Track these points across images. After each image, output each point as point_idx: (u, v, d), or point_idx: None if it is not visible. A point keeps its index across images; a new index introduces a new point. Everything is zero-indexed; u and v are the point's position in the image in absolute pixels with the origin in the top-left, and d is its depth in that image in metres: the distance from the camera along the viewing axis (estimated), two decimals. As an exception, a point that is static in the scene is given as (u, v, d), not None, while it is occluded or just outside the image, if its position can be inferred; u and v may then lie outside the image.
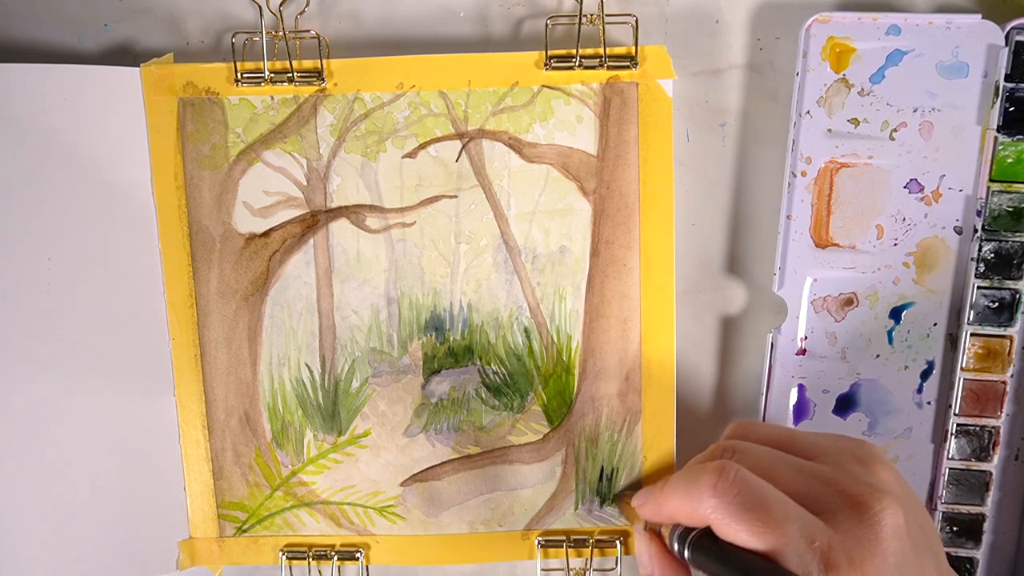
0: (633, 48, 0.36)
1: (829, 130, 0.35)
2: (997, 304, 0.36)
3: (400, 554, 0.39)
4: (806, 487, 0.26)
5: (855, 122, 0.35)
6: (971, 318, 0.36)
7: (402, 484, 0.39)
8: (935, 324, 0.37)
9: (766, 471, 0.27)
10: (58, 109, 0.36)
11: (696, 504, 0.26)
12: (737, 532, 0.25)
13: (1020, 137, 0.35)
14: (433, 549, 0.39)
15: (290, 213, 0.37)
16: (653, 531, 0.32)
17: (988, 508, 0.37)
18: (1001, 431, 0.37)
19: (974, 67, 0.35)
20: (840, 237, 0.36)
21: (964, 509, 0.37)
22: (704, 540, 0.27)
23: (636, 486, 0.39)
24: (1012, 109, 0.35)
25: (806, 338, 0.37)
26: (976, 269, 0.36)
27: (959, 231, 0.36)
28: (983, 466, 0.37)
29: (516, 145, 0.37)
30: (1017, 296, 0.36)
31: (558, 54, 0.36)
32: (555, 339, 0.38)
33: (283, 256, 0.38)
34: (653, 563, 0.30)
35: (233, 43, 0.36)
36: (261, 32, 0.36)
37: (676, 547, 0.29)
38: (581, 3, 0.35)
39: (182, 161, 0.37)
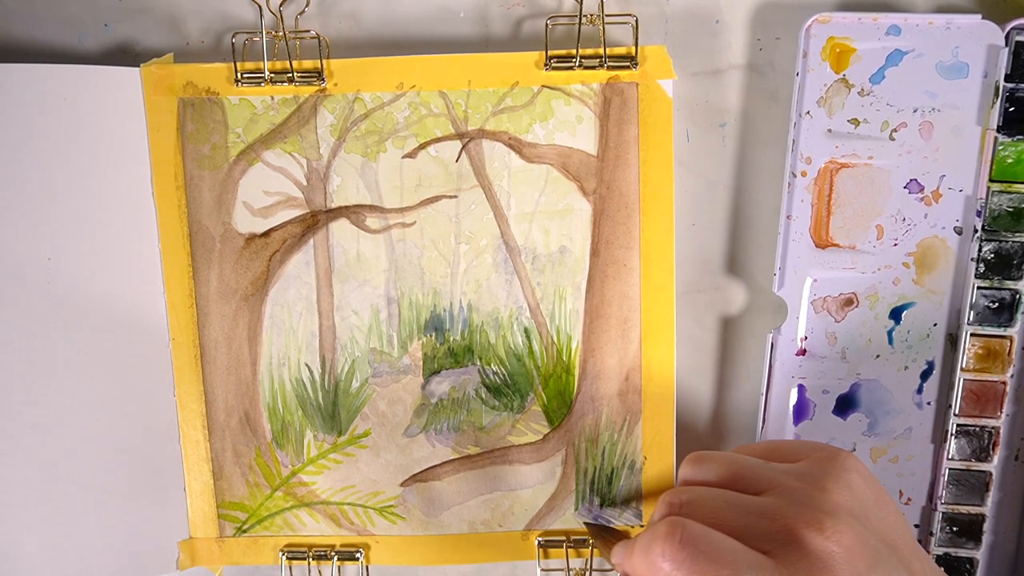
0: (633, 48, 0.36)
1: (829, 130, 0.35)
2: (997, 304, 0.36)
3: (400, 554, 0.39)
4: (753, 527, 0.26)
5: (855, 122, 0.35)
6: (971, 318, 0.36)
7: (402, 484, 0.39)
8: (935, 324, 0.37)
9: (714, 517, 0.26)
10: (58, 109, 0.36)
11: (654, 572, 0.26)
12: None
13: (1020, 137, 0.35)
14: (433, 549, 0.39)
15: (290, 213, 0.37)
16: None
17: (988, 508, 0.37)
18: (1001, 431, 0.37)
19: (974, 67, 0.35)
20: (840, 237, 0.36)
21: (964, 509, 0.37)
22: None
23: (629, 499, 0.39)
24: (1012, 109, 0.35)
25: (806, 338, 0.37)
26: (976, 269, 0.36)
27: (959, 231, 0.36)
28: (983, 466, 0.37)
29: (516, 145, 0.37)
30: (1017, 296, 0.36)
31: (558, 54, 0.36)
32: (555, 339, 0.38)
33: (283, 256, 0.38)
34: None
35: (233, 43, 0.36)
36: (261, 32, 0.36)
37: None
38: (581, 3, 0.35)
39: (182, 161, 0.37)
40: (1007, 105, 0.35)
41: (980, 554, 0.38)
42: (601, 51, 0.36)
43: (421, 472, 0.39)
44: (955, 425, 0.37)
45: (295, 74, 0.36)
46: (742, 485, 0.28)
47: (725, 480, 0.29)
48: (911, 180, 0.36)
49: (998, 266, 0.36)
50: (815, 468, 0.28)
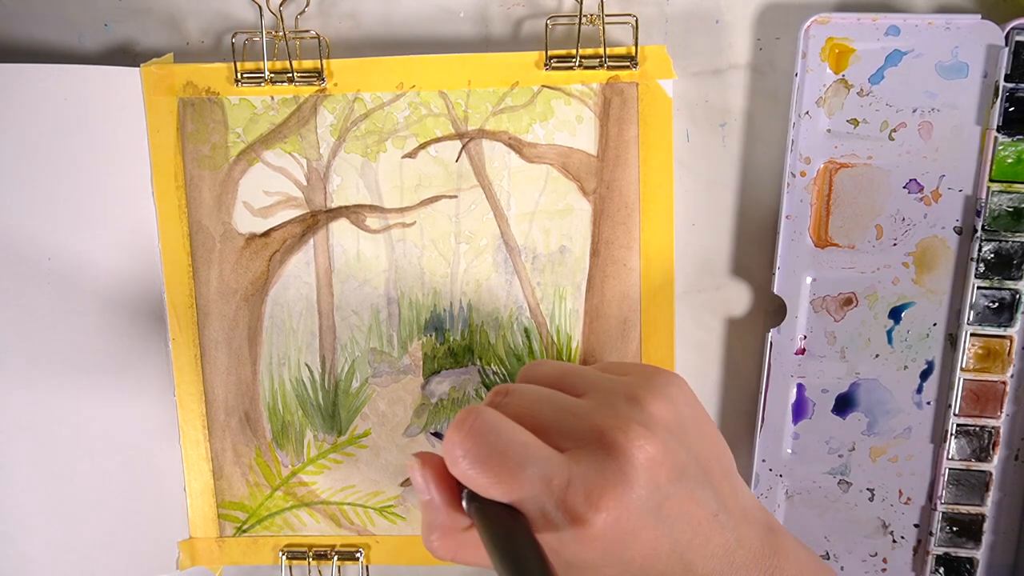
0: (633, 48, 0.36)
1: (828, 130, 0.36)
2: (997, 304, 0.36)
3: (400, 554, 0.39)
4: (563, 424, 0.25)
5: (854, 122, 0.35)
6: (971, 318, 0.36)
7: (402, 484, 0.39)
8: (935, 324, 0.37)
9: (528, 410, 0.25)
10: (58, 109, 0.36)
11: (448, 460, 0.25)
12: (480, 485, 0.24)
13: (1020, 137, 0.35)
14: (433, 549, 0.39)
15: (290, 213, 0.37)
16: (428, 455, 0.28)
17: (988, 508, 0.37)
18: (1001, 431, 0.37)
19: (974, 67, 0.35)
20: (839, 237, 0.36)
21: (964, 509, 0.37)
22: (472, 496, 0.25)
23: None
24: (1012, 109, 0.35)
25: (805, 337, 0.37)
26: (976, 269, 0.36)
27: (959, 231, 0.36)
28: (983, 466, 0.37)
29: (516, 145, 0.37)
30: (1017, 296, 0.36)
31: (558, 54, 0.36)
32: (555, 339, 0.38)
33: (283, 256, 0.38)
34: (430, 487, 0.26)
35: (233, 43, 0.36)
36: (261, 32, 0.36)
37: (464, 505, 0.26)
38: (581, 3, 0.35)
39: (182, 161, 0.37)
40: (1007, 105, 0.35)
41: (980, 554, 0.38)
42: (601, 51, 0.36)
43: (421, 472, 0.39)
44: (955, 425, 0.37)
45: (295, 74, 0.36)
46: (566, 386, 0.27)
47: (553, 381, 0.28)
48: (911, 180, 0.36)
49: (998, 266, 0.36)
50: (640, 380, 0.27)
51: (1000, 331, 0.36)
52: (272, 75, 0.36)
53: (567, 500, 0.23)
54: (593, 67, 0.36)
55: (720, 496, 0.26)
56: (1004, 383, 0.36)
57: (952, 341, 0.37)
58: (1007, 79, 0.34)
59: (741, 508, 0.26)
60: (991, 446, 0.37)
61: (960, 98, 0.35)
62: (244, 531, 0.39)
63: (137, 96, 0.36)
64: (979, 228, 0.36)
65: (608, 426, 0.24)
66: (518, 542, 0.22)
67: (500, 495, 0.24)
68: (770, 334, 0.37)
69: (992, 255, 0.36)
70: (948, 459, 0.37)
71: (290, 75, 0.36)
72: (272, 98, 0.37)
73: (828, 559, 0.39)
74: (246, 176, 0.37)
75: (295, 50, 0.36)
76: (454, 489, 0.26)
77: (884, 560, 0.39)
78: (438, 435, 0.39)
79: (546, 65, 0.36)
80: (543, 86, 0.36)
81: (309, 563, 0.40)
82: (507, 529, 0.23)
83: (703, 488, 0.25)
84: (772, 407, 0.37)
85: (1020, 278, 0.36)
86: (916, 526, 0.38)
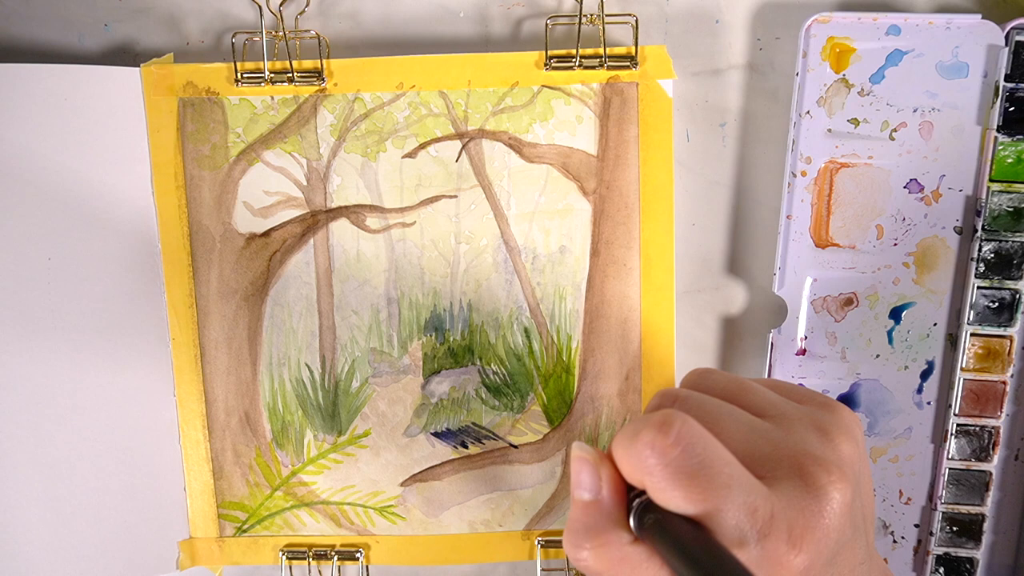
0: (633, 48, 0.36)
1: (829, 130, 0.35)
2: (997, 304, 0.36)
3: (400, 554, 0.39)
4: (754, 448, 0.23)
5: (855, 122, 0.35)
6: (971, 318, 0.36)
7: (402, 484, 0.39)
8: (935, 324, 0.37)
9: (713, 425, 0.23)
10: (58, 109, 0.36)
11: (638, 466, 0.22)
12: (674, 498, 0.21)
13: (1020, 137, 0.35)
14: (433, 549, 0.39)
15: (290, 213, 0.37)
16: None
17: (988, 508, 0.37)
18: (1001, 431, 0.37)
19: (974, 67, 0.35)
20: (840, 237, 0.36)
21: (964, 509, 0.37)
22: (650, 507, 0.22)
23: None
24: (1012, 109, 0.35)
25: (806, 338, 0.37)
26: (976, 269, 0.36)
27: (959, 231, 0.36)
28: (983, 466, 0.37)
29: (516, 145, 0.37)
30: (1017, 296, 0.36)
31: (558, 54, 0.36)
32: (555, 339, 0.38)
33: (283, 256, 0.38)
34: (604, 486, 0.23)
35: (233, 43, 0.36)
36: (261, 32, 0.36)
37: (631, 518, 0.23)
38: (581, 3, 0.35)
39: (182, 161, 0.37)
40: (1007, 105, 0.35)
41: (980, 554, 0.38)
42: (601, 51, 0.36)
43: (421, 472, 0.39)
44: (955, 425, 0.37)
45: (295, 74, 0.36)
46: (744, 403, 0.25)
47: (729, 395, 0.26)
48: (911, 180, 0.36)
49: (998, 266, 0.36)
50: (824, 414, 0.25)
51: (1000, 331, 0.36)
52: (272, 75, 0.36)
53: (770, 535, 0.21)
54: (593, 67, 0.36)
55: (868, 543, 0.25)
56: (1004, 383, 0.36)
57: (952, 341, 0.37)
58: (1007, 79, 0.34)
59: (877, 557, 0.26)
60: (991, 446, 0.37)
61: (960, 98, 0.35)
62: (244, 531, 0.39)
63: (137, 96, 0.36)
64: (979, 228, 0.36)
65: (807, 461, 0.23)
66: (719, 560, 0.20)
67: (696, 512, 0.21)
68: (771, 334, 0.37)
69: (992, 255, 0.36)
70: (948, 459, 0.37)
71: (290, 75, 0.36)
72: (272, 98, 0.37)
73: (828, 559, 0.39)
74: (246, 176, 0.37)
75: (295, 50, 0.36)
76: (624, 496, 0.23)
77: (884, 560, 0.39)
78: (438, 435, 0.39)
79: (546, 65, 0.36)
80: (543, 86, 0.36)
81: (309, 563, 0.40)
82: (703, 546, 0.21)
83: (862, 537, 0.24)
84: (772, 407, 0.37)
85: (1020, 278, 0.36)
86: (916, 526, 0.38)
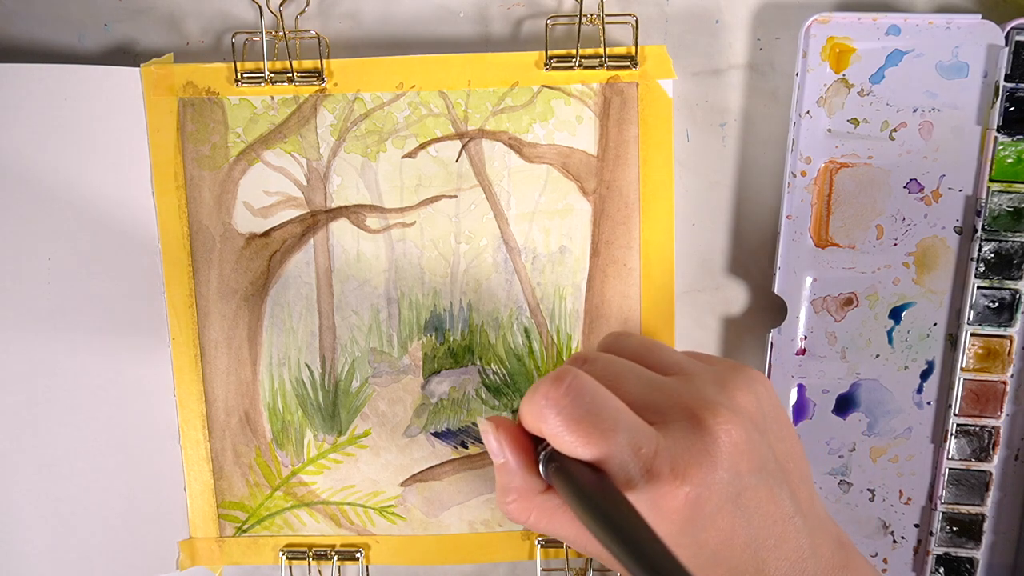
0: (633, 48, 0.36)
1: (829, 130, 0.35)
2: (997, 304, 0.36)
3: (400, 554, 0.39)
4: (648, 398, 0.25)
5: (855, 122, 0.35)
6: (971, 318, 0.36)
7: (402, 484, 0.39)
8: (935, 324, 0.37)
9: (612, 381, 0.25)
10: (58, 109, 0.36)
11: (536, 415, 0.24)
12: (568, 443, 0.24)
13: (1020, 137, 0.35)
14: (433, 549, 0.39)
15: (290, 213, 0.37)
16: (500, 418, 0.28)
17: (988, 508, 0.37)
18: (1001, 431, 0.37)
19: (974, 67, 0.35)
20: (840, 237, 0.36)
21: (964, 509, 0.37)
22: (554, 456, 0.25)
23: None
24: (1012, 109, 0.35)
25: (806, 338, 0.37)
26: (976, 269, 0.36)
27: (959, 231, 0.36)
28: (983, 466, 0.37)
29: (516, 145, 0.37)
30: (1017, 296, 0.36)
31: (558, 54, 0.36)
32: (555, 339, 0.38)
33: (283, 256, 0.38)
34: (504, 449, 0.26)
35: (233, 43, 0.36)
36: (261, 32, 0.36)
37: (540, 468, 0.26)
38: (581, 3, 0.35)
39: (182, 161, 0.37)
40: (1007, 105, 0.35)
41: (980, 554, 0.38)
42: (601, 51, 0.36)
43: (421, 472, 0.39)
44: (955, 425, 0.37)
45: (295, 74, 0.36)
46: (651, 363, 0.27)
47: (637, 356, 0.28)
48: (911, 180, 0.36)
49: (998, 266, 0.36)
50: (727, 371, 0.27)
51: (1000, 331, 0.36)
52: (272, 75, 0.36)
53: (653, 469, 0.23)
54: (593, 67, 0.36)
55: (796, 499, 0.26)
56: (1004, 383, 0.36)
57: (952, 341, 0.37)
58: (1007, 79, 0.34)
59: (816, 516, 0.26)
60: (991, 446, 0.37)
61: (960, 98, 0.35)
62: (244, 531, 0.39)
63: (137, 96, 0.36)
64: (979, 228, 0.36)
65: (697, 406, 0.24)
66: (609, 498, 0.22)
67: (588, 455, 0.23)
68: (771, 334, 0.37)
69: (992, 255, 0.36)
70: (948, 459, 0.37)
71: (290, 75, 0.36)
72: (272, 98, 0.37)
73: (828, 559, 0.39)
74: (246, 176, 0.37)
75: (295, 50, 0.36)
76: (530, 452, 0.26)
77: (884, 560, 0.39)
78: (438, 435, 0.39)
79: (546, 65, 0.36)
80: (543, 86, 0.36)
81: (309, 563, 0.40)
82: (595, 487, 0.23)
83: (781, 487, 0.25)
84: (772, 407, 0.37)
85: (1020, 278, 0.36)
86: (916, 526, 0.38)
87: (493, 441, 0.26)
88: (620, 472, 0.23)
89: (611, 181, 0.37)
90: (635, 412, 0.24)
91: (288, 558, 0.39)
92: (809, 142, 0.36)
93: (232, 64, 0.36)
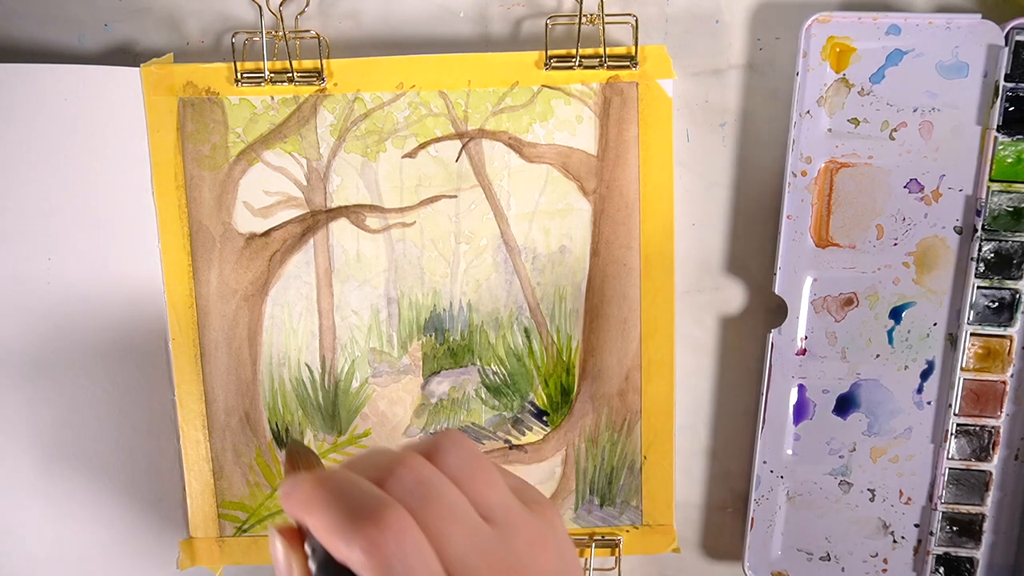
0: (633, 48, 0.36)
1: (829, 130, 0.35)
2: (997, 304, 0.36)
3: (400, 554, 0.39)
4: (468, 561, 0.22)
5: (855, 122, 0.35)
6: (971, 318, 0.36)
7: (402, 484, 0.39)
8: (935, 324, 0.37)
9: (436, 528, 0.23)
10: (58, 109, 0.36)
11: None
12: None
13: (1020, 137, 0.35)
14: (433, 549, 0.39)
15: (290, 213, 0.37)
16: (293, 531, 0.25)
17: (988, 508, 0.37)
18: (1001, 431, 0.37)
19: (974, 67, 0.35)
20: (840, 237, 0.36)
21: (964, 509, 0.37)
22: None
23: (629, 498, 0.39)
24: (1012, 109, 0.35)
25: (806, 338, 0.37)
26: (976, 269, 0.36)
27: (959, 231, 0.36)
28: (983, 466, 0.37)
29: (516, 145, 0.37)
30: (1017, 296, 0.36)
31: (558, 54, 0.36)
32: (555, 339, 0.38)
33: (283, 256, 0.38)
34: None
35: (233, 43, 0.36)
36: (261, 32, 0.36)
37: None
38: (581, 3, 0.35)
39: (182, 161, 0.37)
40: (1007, 105, 0.35)
41: (980, 554, 0.38)
42: (601, 51, 0.36)
43: (421, 472, 0.39)
44: (955, 425, 0.37)
45: (295, 74, 0.36)
46: (475, 497, 0.24)
47: (462, 480, 0.24)
48: (911, 180, 0.36)
49: (998, 266, 0.36)
50: (543, 524, 0.24)
51: (1000, 331, 0.36)
52: (272, 75, 0.36)
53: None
54: (593, 67, 0.36)
55: None
56: (1004, 383, 0.36)
57: (952, 341, 0.37)
58: (1007, 79, 0.34)
59: None
60: (991, 446, 0.37)
61: (960, 98, 0.35)
62: (244, 531, 0.39)
63: (137, 96, 0.36)
64: (979, 228, 0.36)
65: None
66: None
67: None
68: (771, 334, 0.37)
69: (992, 255, 0.36)
70: (948, 459, 0.37)
71: (290, 75, 0.36)
72: (272, 98, 0.37)
73: (829, 560, 0.39)
74: (246, 176, 0.37)
75: (295, 50, 0.36)
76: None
77: (884, 560, 0.39)
78: (438, 435, 0.39)
79: (546, 65, 0.36)
80: (543, 86, 0.36)
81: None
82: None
83: None
84: (773, 408, 0.37)
85: (1020, 278, 0.36)
86: (916, 526, 0.38)
87: (283, 562, 0.26)
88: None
89: (611, 181, 0.37)
90: None
91: (288, 558, 0.39)
92: (809, 142, 0.36)
93: (232, 64, 0.36)
